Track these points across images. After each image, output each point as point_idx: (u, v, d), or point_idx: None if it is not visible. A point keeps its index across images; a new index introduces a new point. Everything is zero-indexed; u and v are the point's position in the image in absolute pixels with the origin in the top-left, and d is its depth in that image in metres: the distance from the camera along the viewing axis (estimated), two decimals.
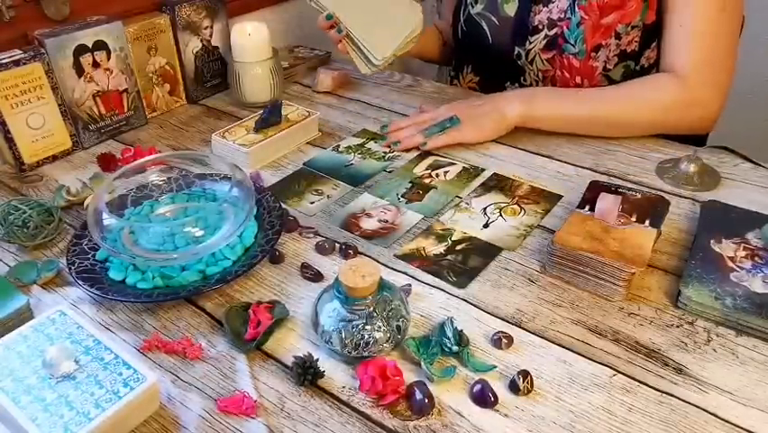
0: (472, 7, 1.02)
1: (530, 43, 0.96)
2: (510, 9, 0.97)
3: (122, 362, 0.52)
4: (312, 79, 1.14)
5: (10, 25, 0.89)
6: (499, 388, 0.54)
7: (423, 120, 0.93)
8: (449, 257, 0.70)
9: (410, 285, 0.66)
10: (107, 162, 0.89)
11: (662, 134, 0.94)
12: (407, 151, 0.91)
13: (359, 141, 0.95)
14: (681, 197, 0.79)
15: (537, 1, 0.94)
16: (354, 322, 0.55)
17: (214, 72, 1.11)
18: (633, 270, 0.62)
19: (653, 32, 0.91)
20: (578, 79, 0.94)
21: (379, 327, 0.56)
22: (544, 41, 0.94)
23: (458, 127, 0.90)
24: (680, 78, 0.86)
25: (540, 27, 0.94)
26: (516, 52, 0.98)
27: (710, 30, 0.85)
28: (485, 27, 1.00)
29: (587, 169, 0.86)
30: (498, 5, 0.98)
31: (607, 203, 0.70)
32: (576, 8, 0.90)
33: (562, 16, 0.92)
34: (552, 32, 0.93)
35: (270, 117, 0.92)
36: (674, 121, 0.89)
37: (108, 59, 0.93)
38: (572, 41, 0.92)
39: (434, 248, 0.72)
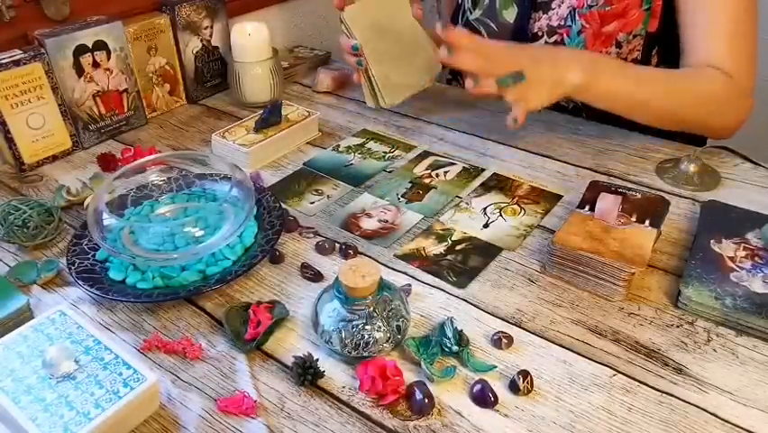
0: (470, 13, 1.02)
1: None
2: (509, 15, 0.96)
3: (122, 362, 0.52)
4: (312, 79, 1.14)
5: (10, 25, 0.89)
6: (499, 388, 0.54)
7: (485, 67, 0.77)
8: (449, 257, 0.70)
9: (410, 285, 0.66)
10: (107, 162, 0.89)
11: (663, 134, 0.93)
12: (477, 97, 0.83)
13: (359, 141, 0.95)
14: (681, 197, 0.79)
15: (537, 8, 0.93)
16: (354, 322, 0.55)
17: (214, 72, 1.11)
18: (633, 270, 0.62)
19: (657, 41, 0.91)
20: None
21: (379, 327, 0.56)
22: None
23: (522, 87, 0.77)
24: (723, 71, 0.83)
25: (540, 34, 0.94)
26: None
27: (740, 21, 0.83)
28: (484, 34, 1.00)
29: (587, 169, 0.86)
30: (497, 12, 0.97)
31: (607, 203, 0.70)
32: (577, 16, 0.90)
33: (562, 23, 0.91)
34: (551, 40, 0.93)
35: (270, 117, 0.92)
36: (730, 114, 0.86)
37: (108, 59, 0.93)
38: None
39: (434, 248, 0.72)
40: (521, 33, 0.95)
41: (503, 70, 0.77)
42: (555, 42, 0.92)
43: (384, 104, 0.95)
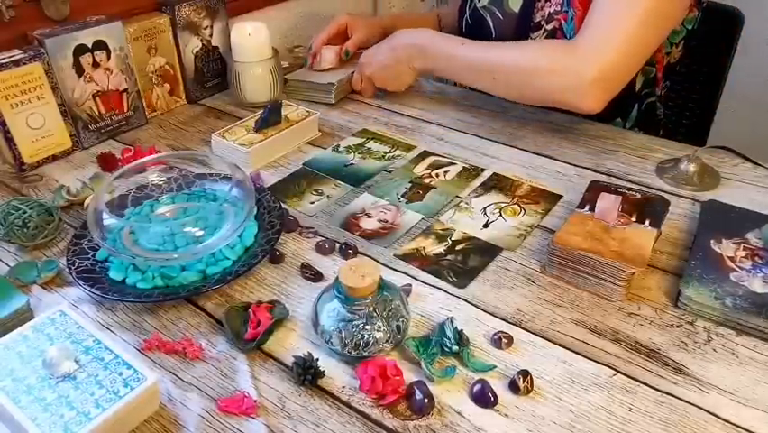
0: (478, 1, 1.02)
1: (532, 39, 0.96)
2: (515, 5, 0.97)
3: (122, 362, 0.52)
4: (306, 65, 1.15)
5: (10, 25, 0.89)
6: (499, 388, 0.54)
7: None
8: (449, 257, 0.70)
9: (410, 285, 0.66)
10: (107, 162, 0.89)
11: (652, 128, 0.93)
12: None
13: (359, 141, 0.95)
14: (681, 197, 0.79)
15: None
16: (354, 322, 0.55)
17: (214, 72, 1.11)
18: (633, 270, 0.62)
19: None
20: None
21: (379, 327, 0.56)
22: (543, 36, 0.94)
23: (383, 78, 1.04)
24: (570, 43, 0.83)
25: (541, 23, 0.94)
26: None
27: (631, 3, 0.79)
28: (490, 22, 1.00)
29: (587, 169, 0.86)
30: (504, 1, 0.98)
31: (607, 203, 0.70)
32: (571, 2, 0.90)
33: (559, 9, 0.92)
34: (550, 27, 0.93)
35: (270, 117, 0.92)
36: (542, 85, 0.84)
37: (108, 58, 0.93)
38: (568, 36, 0.92)
39: (434, 248, 0.72)
40: (525, 22, 0.96)
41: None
42: (554, 29, 0.93)
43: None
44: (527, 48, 0.88)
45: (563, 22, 0.92)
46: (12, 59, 0.83)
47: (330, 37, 1.10)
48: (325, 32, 1.10)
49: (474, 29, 1.04)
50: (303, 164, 0.90)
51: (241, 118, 0.98)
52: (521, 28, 0.96)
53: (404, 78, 1.03)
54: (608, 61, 0.79)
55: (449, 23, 1.16)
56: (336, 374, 0.56)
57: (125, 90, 0.97)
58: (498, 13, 0.99)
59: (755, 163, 0.86)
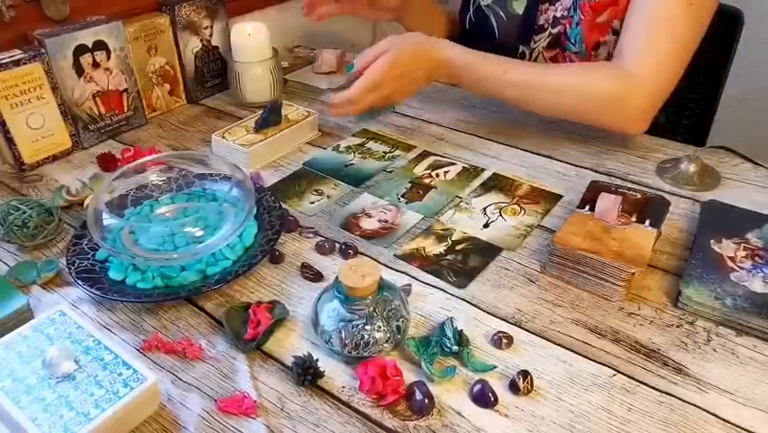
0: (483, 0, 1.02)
1: (534, 43, 0.96)
2: (519, 6, 0.97)
3: (122, 362, 0.52)
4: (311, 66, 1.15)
5: (10, 25, 0.89)
6: (499, 388, 0.54)
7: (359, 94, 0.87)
8: (449, 257, 0.70)
9: (410, 285, 0.66)
10: (107, 162, 0.89)
11: (652, 132, 0.93)
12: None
13: (359, 141, 0.95)
14: (681, 197, 0.79)
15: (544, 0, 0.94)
16: (354, 322, 0.55)
17: (214, 72, 1.11)
18: (633, 270, 0.62)
19: None
20: None
21: (379, 327, 0.56)
22: (547, 40, 0.94)
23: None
24: (622, 69, 0.82)
25: (545, 26, 0.94)
26: (520, 51, 0.98)
27: (669, 23, 0.80)
28: (493, 21, 1.00)
29: (587, 169, 0.86)
30: (507, 1, 0.98)
31: (607, 203, 0.70)
32: (578, 7, 0.90)
33: (566, 14, 0.92)
34: (555, 30, 0.93)
35: (270, 117, 0.92)
36: (615, 112, 0.84)
37: (108, 59, 0.93)
38: (573, 41, 0.92)
39: (434, 248, 0.72)
40: (528, 25, 0.96)
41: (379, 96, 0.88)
42: (559, 33, 0.93)
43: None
44: (578, 74, 0.85)
45: (568, 27, 0.92)
46: (12, 59, 0.83)
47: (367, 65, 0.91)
48: (366, 59, 0.89)
49: (478, 27, 1.04)
50: (303, 164, 0.90)
51: (241, 118, 0.98)
52: (524, 30, 0.96)
53: (413, 90, 0.92)
54: (659, 88, 0.82)
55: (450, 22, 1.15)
56: (336, 374, 0.56)
57: (125, 90, 0.97)
58: (501, 13, 0.99)
59: (755, 163, 0.86)
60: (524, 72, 0.86)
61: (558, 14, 0.92)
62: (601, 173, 0.85)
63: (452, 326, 0.58)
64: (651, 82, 0.81)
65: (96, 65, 0.92)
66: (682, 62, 0.82)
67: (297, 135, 0.94)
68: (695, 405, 0.53)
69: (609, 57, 0.92)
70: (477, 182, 0.84)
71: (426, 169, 0.87)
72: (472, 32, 1.06)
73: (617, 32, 0.90)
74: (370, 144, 0.94)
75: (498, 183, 0.83)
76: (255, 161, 0.88)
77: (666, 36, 0.80)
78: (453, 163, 0.88)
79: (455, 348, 0.57)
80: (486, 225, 0.75)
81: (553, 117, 0.92)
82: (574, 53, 0.93)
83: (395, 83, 0.87)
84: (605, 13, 0.89)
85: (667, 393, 0.54)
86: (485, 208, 0.78)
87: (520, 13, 0.97)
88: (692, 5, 0.79)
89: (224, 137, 0.90)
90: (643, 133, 0.87)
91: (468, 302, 0.64)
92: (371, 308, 0.56)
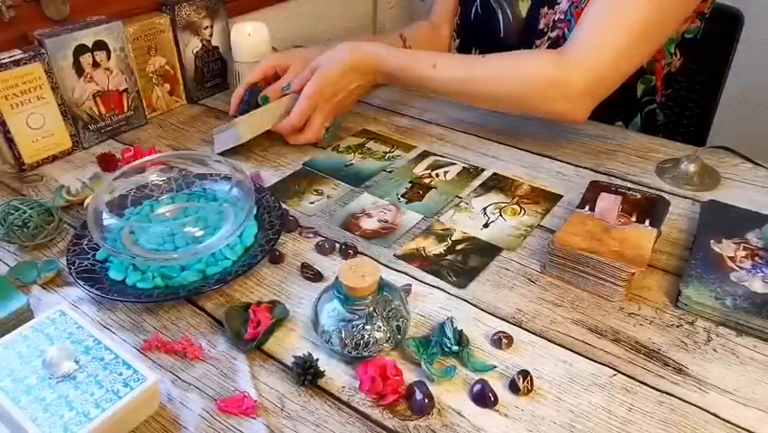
0: None
1: (536, 47, 0.95)
2: (524, 8, 0.96)
3: (122, 362, 0.52)
4: None
5: (10, 25, 0.89)
6: (499, 388, 0.54)
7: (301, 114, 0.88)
8: (449, 257, 0.70)
9: (410, 285, 0.66)
10: (107, 162, 0.89)
11: (652, 132, 0.93)
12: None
13: (359, 141, 0.95)
14: (681, 197, 0.79)
15: (544, 3, 0.94)
16: (354, 322, 0.55)
17: (214, 72, 1.11)
18: (633, 270, 0.62)
19: None
20: None
21: (379, 327, 0.56)
22: (547, 44, 0.94)
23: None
24: (560, 53, 0.80)
25: (545, 30, 0.94)
26: None
27: (619, 7, 0.77)
28: (500, 17, 1.00)
29: (587, 169, 0.86)
30: (513, 1, 0.97)
31: (607, 203, 0.70)
32: (573, 12, 0.90)
33: (563, 17, 0.92)
34: (553, 35, 0.93)
35: (251, 100, 0.93)
36: (536, 100, 0.82)
37: (108, 59, 0.93)
38: None
39: (434, 248, 0.72)
40: (531, 28, 0.96)
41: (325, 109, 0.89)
42: (557, 37, 0.92)
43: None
44: (513, 61, 0.84)
45: (567, 30, 0.92)
46: (12, 59, 0.83)
47: (256, 82, 0.95)
48: (252, 76, 0.95)
49: (484, 19, 1.02)
50: (303, 164, 0.90)
51: None
52: (526, 33, 0.96)
53: (354, 100, 0.93)
54: (596, 75, 0.78)
55: (419, 37, 1.09)
56: (336, 374, 0.56)
57: (125, 90, 0.97)
58: (508, 11, 0.99)
59: (755, 163, 0.86)
60: (454, 64, 0.86)
61: (556, 18, 0.92)
62: (601, 173, 0.85)
63: (452, 326, 0.58)
64: (590, 66, 0.78)
65: (96, 65, 0.92)
66: (633, 49, 0.78)
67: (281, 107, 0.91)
68: (695, 405, 0.53)
69: None
70: (477, 182, 0.84)
71: (426, 169, 0.87)
72: (477, 25, 1.05)
73: None
74: (370, 144, 0.94)
75: (498, 183, 0.83)
76: (245, 130, 0.88)
77: (613, 21, 0.77)
78: (453, 163, 0.88)
79: (455, 348, 0.57)
80: (486, 225, 0.75)
81: (493, 109, 0.91)
82: None
83: (332, 101, 0.89)
84: None
85: (667, 393, 0.54)
86: (485, 208, 0.78)
87: (524, 15, 0.96)
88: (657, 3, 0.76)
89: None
90: (585, 121, 0.84)
91: (468, 302, 0.64)
92: (371, 308, 0.56)
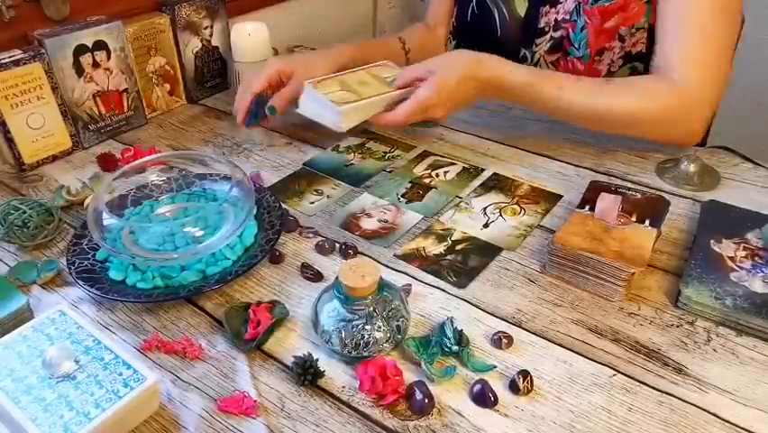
0: None
1: (536, 46, 0.95)
2: (521, 7, 0.96)
3: (122, 362, 0.52)
4: None
5: (10, 25, 0.89)
6: (499, 388, 0.54)
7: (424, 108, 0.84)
8: (449, 257, 0.70)
9: (410, 285, 0.66)
10: (107, 162, 0.89)
11: None
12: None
13: (359, 141, 0.95)
14: (681, 197, 0.79)
15: (545, 2, 0.93)
16: (354, 322, 0.55)
17: (214, 72, 1.11)
18: (633, 270, 0.62)
19: None
20: None
21: (379, 327, 0.56)
22: (549, 44, 0.94)
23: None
24: (681, 92, 0.82)
25: (546, 29, 0.94)
26: (521, 54, 0.98)
27: (706, 28, 0.80)
28: (496, 17, 1.00)
29: (587, 169, 0.86)
30: (511, 3, 0.97)
31: (607, 203, 0.70)
32: (581, 11, 0.90)
33: (568, 18, 0.91)
34: (557, 34, 0.93)
35: (259, 111, 0.91)
36: (673, 127, 0.84)
37: (108, 59, 0.93)
38: (577, 45, 0.92)
39: (434, 248, 0.72)
40: (530, 28, 0.95)
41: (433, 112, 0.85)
42: (561, 37, 0.92)
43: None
44: (635, 96, 0.83)
45: (571, 31, 0.92)
46: (12, 59, 0.83)
47: (262, 90, 0.91)
48: (257, 84, 0.90)
49: (481, 19, 1.02)
50: (303, 164, 0.90)
51: None
52: (525, 33, 0.96)
53: (458, 110, 0.88)
54: (715, 97, 0.83)
55: (416, 40, 1.09)
56: (336, 374, 0.56)
57: (125, 90, 0.97)
58: (504, 10, 0.98)
59: (755, 163, 0.86)
60: (580, 89, 0.84)
61: (560, 17, 0.92)
62: (601, 173, 0.85)
63: (452, 326, 0.58)
64: (708, 95, 0.82)
65: (96, 65, 0.92)
66: (728, 64, 0.84)
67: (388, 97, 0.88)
68: (695, 405, 0.53)
69: (612, 64, 0.91)
70: (477, 182, 0.84)
71: (426, 169, 0.87)
72: (474, 25, 1.04)
73: (623, 39, 0.90)
74: (370, 144, 0.94)
75: (498, 183, 0.83)
76: (346, 121, 0.85)
77: (709, 45, 0.81)
78: (453, 163, 0.88)
79: (455, 348, 0.57)
80: (486, 225, 0.75)
81: (609, 133, 0.89)
82: (577, 58, 0.93)
83: (442, 107, 0.85)
84: (613, 19, 0.88)
85: (667, 393, 0.54)
86: (485, 208, 0.78)
87: (522, 13, 0.96)
88: (723, 8, 0.80)
89: (316, 88, 0.86)
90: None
91: (468, 302, 0.64)
92: (371, 308, 0.56)
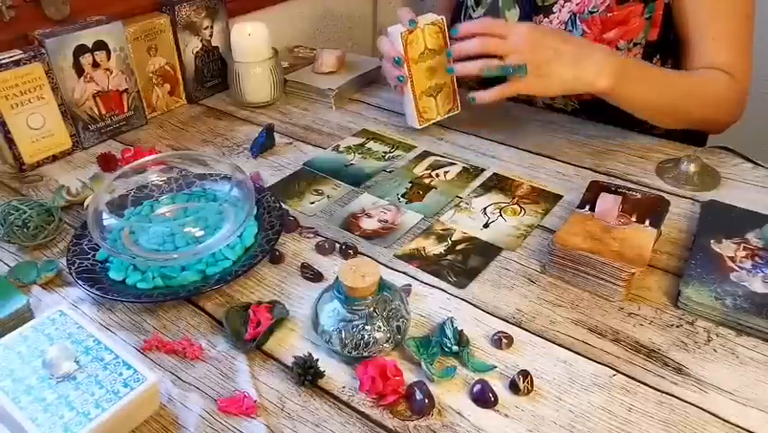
0: (473, 11, 1.01)
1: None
2: (512, 17, 0.96)
3: (122, 362, 0.52)
4: (312, 66, 1.14)
5: (10, 25, 0.89)
6: (499, 388, 0.54)
7: (491, 44, 0.79)
8: (449, 257, 0.70)
9: (410, 285, 0.66)
10: (107, 162, 0.89)
11: (664, 134, 0.93)
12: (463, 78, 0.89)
13: (359, 141, 0.95)
14: (681, 197, 0.79)
15: (538, 11, 0.93)
16: (354, 322, 0.55)
17: (215, 72, 1.11)
18: (633, 270, 0.62)
19: (656, 49, 0.92)
20: None
21: (379, 327, 0.56)
22: None
23: (523, 78, 0.78)
24: (733, 80, 0.86)
25: None
26: None
27: (738, 23, 0.86)
28: None
29: (587, 169, 0.86)
30: (500, 12, 0.97)
31: (607, 203, 0.70)
32: (578, 22, 0.89)
33: (563, 29, 0.91)
34: None
35: (267, 142, 0.92)
36: (731, 111, 0.89)
37: (108, 59, 0.93)
38: None
39: (434, 248, 0.72)
40: None
41: (517, 57, 0.78)
42: None
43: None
44: (704, 83, 0.87)
45: None
46: (12, 59, 0.83)
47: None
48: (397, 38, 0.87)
49: None
50: (303, 164, 0.90)
51: (240, 118, 0.98)
52: None
53: (560, 85, 0.81)
54: (749, 81, 0.89)
55: None
56: (336, 374, 0.56)
57: (125, 90, 0.97)
58: None
59: (755, 163, 0.86)
60: (676, 73, 0.89)
61: (554, 27, 0.92)
62: (601, 173, 0.85)
63: (452, 326, 0.58)
64: (747, 81, 0.89)
65: (96, 65, 0.92)
66: (752, 43, 0.89)
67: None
68: (695, 405, 0.53)
69: None
70: (477, 182, 0.84)
71: (426, 169, 0.87)
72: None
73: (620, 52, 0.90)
74: (370, 144, 0.94)
75: (498, 183, 0.83)
76: (423, 126, 0.92)
77: (741, 38, 0.86)
78: (453, 163, 0.88)
79: (455, 348, 0.57)
80: (486, 226, 0.75)
81: (673, 121, 0.90)
82: None
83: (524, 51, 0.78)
84: (613, 31, 0.88)
85: (667, 393, 0.54)
86: (485, 208, 0.78)
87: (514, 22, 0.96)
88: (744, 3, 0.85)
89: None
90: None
91: (468, 302, 0.64)
92: (371, 308, 0.56)
